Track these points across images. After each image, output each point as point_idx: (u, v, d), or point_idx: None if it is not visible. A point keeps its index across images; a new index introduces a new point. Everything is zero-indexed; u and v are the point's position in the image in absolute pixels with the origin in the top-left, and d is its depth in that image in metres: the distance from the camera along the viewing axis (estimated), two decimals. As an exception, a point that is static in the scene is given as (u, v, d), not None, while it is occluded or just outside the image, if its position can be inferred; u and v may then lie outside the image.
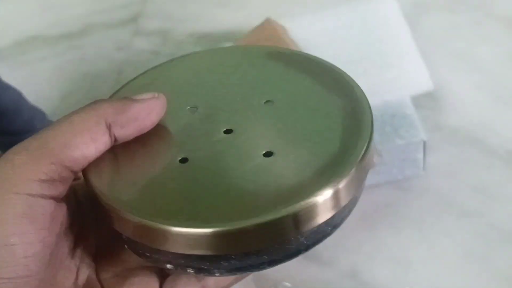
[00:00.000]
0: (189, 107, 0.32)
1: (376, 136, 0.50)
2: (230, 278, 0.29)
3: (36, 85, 0.64)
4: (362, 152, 0.28)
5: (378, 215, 0.51)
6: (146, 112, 0.29)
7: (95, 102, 0.29)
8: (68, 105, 0.62)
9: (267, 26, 0.53)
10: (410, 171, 0.52)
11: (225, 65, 0.34)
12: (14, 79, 0.65)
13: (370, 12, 0.56)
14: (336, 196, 0.27)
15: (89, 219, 0.30)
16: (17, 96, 0.55)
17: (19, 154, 0.26)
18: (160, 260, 0.28)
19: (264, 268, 0.28)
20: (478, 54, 0.58)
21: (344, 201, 0.28)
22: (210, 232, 0.26)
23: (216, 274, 0.28)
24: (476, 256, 0.49)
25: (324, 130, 0.30)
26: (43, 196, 0.26)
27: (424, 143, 0.51)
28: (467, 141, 0.54)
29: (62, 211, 0.27)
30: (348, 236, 0.51)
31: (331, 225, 0.28)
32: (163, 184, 0.29)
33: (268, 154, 0.30)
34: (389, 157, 0.50)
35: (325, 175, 0.27)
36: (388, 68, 0.53)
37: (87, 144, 0.27)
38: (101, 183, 0.29)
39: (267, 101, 0.32)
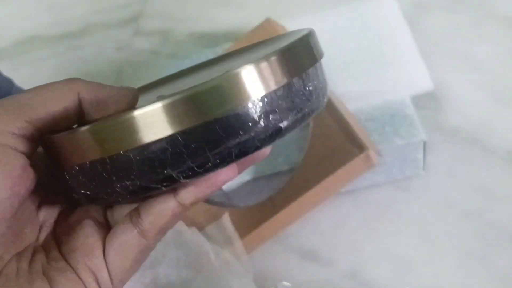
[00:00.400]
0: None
1: (376, 136, 0.50)
2: (204, 187, 0.29)
3: (36, 84, 0.64)
4: (288, 43, 0.29)
5: (378, 215, 0.51)
6: (115, 100, 0.31)
7: (71, 78, 0.31)
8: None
9: (267, 26, 0.53)
10: (410, 170, 0.52)
11: None
12: (14, 79, 0.65)
13: (370, 12, 0.56)
14: (262, 74, 0.27)
15: (51, 186, 0.31)
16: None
17: None
18: (122, 190, 0.28)
19: (228, 162, 0.27)
20: (478, 54, 0.58)
21: (272, 83, 0.28)
22: (163, 104, 0.26)
23: (182, 181, 0.27)
24: (476, 256, 0.49)
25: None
26: (15, 149, 0.28)
27: (424, 143, 0.51)
28: (467, 141, 0.54)
29: (30, 169, 0.29)
30: (348, 236, 0.51)
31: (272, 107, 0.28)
32: None
33: None
34: (389, 157, 0.51)
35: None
36: (388, 68, 0.53)
37: (59, 110, 0.30)
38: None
39: None
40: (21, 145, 0.29)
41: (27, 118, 0.29)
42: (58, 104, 0.30)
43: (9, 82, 0.54)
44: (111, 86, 0.32)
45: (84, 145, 0.28)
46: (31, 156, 0.29)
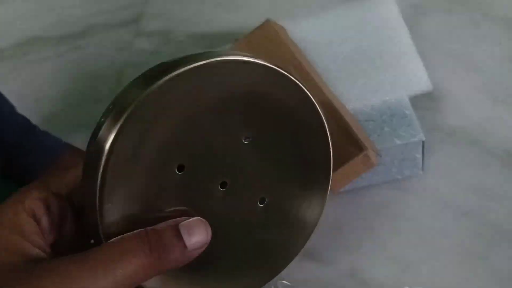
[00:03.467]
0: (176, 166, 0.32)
1: (375, 136, 0.50)
2: None
3: (37, 85, 0.65)
4: None
5: (377, 214, 0.52)
6: None
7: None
8: (69, 105, 0.63)
9: (267, 27, 0.53)
10: (409, 171, 0.52)
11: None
12: (15, 80, 0.65)
13: (369, 13, 0.56)
14: None
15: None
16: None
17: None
18: None
19: None
20: (476, 54, 0.58)
21: None
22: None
23: None
24: (475, 256, 0.49)
25: None
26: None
27: (423, 143, 0.51)
28: (466, 141, 0.54)
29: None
30: (347, 236, 0.51)
31: None
32: None
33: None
34: (388, 157, 0.51)
35: None
36: (387, 69, 0.53)
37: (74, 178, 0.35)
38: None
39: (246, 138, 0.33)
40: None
41: (52, 188, 0.34)
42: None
43: (11, 107, 0.54)
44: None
45: None
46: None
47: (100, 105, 0.63)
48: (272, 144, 0.34)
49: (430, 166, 0.53)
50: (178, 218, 0.32)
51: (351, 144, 0.47)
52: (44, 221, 0.33)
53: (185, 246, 0.31)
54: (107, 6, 0.69)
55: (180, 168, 0.31)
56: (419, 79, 0.53)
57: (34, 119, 0.62)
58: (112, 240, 0.30)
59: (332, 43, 0.55)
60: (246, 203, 0.34)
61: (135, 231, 0.31)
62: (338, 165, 0.47)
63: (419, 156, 0.51)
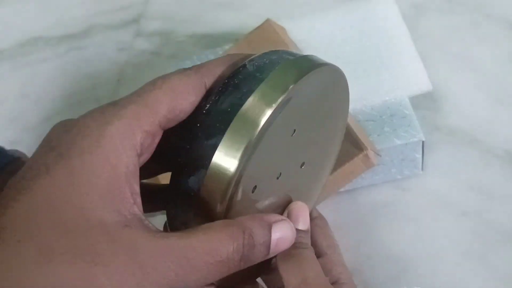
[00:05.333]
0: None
1: (375, 136, 0.50)
2: None
3: (38, 85, 0.65)
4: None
5: (377, 214, 0.52)
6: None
7: (200, 68, 0.31)
8: (70, 106, 0.63)
9: (267, 27, 0.53)
10: (408, 171, 0.52)
11: None
12: (16, 80, 0.65)
13: (369, 13, 0.56)
14: None
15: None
16: None
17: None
18: None
19: None
20: (476, 55, 0.58)
21: None
22: None
23: None
24: (475, 256, 0.49)
25: None
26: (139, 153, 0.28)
27: (423, 143, 0.51)
28: (466, 141, 0.54)
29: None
30: (347, 236, 0.51)
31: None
32: None
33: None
34: (388, 157, 0.51)
35: None
36: (387, 69, 0.53)
37: (186, 107, 0.30)
38: None
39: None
40: (147, 145, 0.29)
41: (160, 118, 0.29)
42: (189, 100, 0.30)
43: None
44: (219, 62, 0.32)
45: None
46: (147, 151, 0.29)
47: (100, 105, 0.63)
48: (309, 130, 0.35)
49: (430, 166, 0.53)
50: (271, 217, 0.31)
51: (351, 144, 0.47)
52: (141, 162, 0.29)
53: (267, 254, 0.31)
54: (107, 6, 0.69)
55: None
56: (419, 79, 0.53)
57: (34, 119, 0.62)
58: (208, 228, 0.28)
59: (332, 43, 0.55)
60: (293, 171, 0.35)
61: (230, 226, 0.29)
62: (338, 165, 0.47)
63: (419, 156, 0.51)
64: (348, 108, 0.40)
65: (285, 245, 0.31)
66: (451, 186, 0.52)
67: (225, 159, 0.29)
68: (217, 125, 0.29)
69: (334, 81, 0.36)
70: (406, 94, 0.52)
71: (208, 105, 0.30)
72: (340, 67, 0.54)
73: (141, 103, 0.29)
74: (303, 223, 0.35)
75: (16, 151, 0.50)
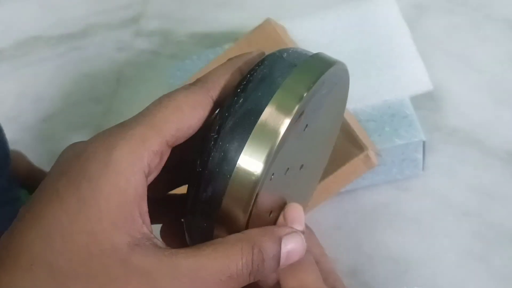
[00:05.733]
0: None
1: (375, 136, 0.50)
2: None
3: (37, 85, 0.65)
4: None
5: (377, 214, 0.52)
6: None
7: (204, 82, 0.31)
8: (69, 105, 0.63)
9: (267, 27, 0.53)
10: (409, 171, 0.52)
11: None
12: (15, 80, 0.65)
13: (370, 13, 0.56)
14: None
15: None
16: None
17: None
18: None
19: None
20: (477, 55, 0.58)
21: None
22: None
23: None
24: (475, 256, 0.49)
25: None
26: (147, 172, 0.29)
27: (424, 143, 0.51)
28: (466, 141, 0.54)
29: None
30: (348, 236, 0.51)
31: None
32: None
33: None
34: (389, 157, 0.51)
35: None
36: (388, 69, 0.53)
37: (194, 124, 0.30)
38: None
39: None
40: (155, 165, 0.29)
41: (168, 138, 0.29)
42: (196, 117, 0.30)
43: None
44: (223, 71, 0.32)
45: None
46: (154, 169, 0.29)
47: (100, 105, 0.63)
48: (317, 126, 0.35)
49: (430, 166, 0.53)
50: (282, 230, 0.31)
51: (351, 144, 0.47)
52: (148, 181, 0.29)
53: (277, 267, 0.31)
54: (106, 6, 0.69)
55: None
56: (419, 79, 0.53)
57: (33, 119, 0.62)
58: (217, 244, 0.29)
59: (332, 43, 0.55)
60: (294, 174, 0.35)
61: (239, 242, 0.29)
62: (338, 165, 0.47)
63: (419, 156, 0.51)
64: (344, 107, 0.40)
65: (296, 257, 0.31)
66: (452, 186, 0.52)
67: (251, 161, 0.29)
68: (239, 131, 0.29)
69: (341, 79, 0.36)
70: (406, 94, 0.52)
71: (224, 116, 0.30)
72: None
73: (148, 124, 0.29)
74: (299, 225, 0.35)
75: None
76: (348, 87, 0.38)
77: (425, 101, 0.55)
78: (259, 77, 0.30)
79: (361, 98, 0.52)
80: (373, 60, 0.54)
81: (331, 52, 0.55)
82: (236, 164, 0.29)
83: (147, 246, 0.27)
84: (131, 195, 0.27)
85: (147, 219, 0.28)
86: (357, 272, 0.49)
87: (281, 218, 0.35)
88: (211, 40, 0.65)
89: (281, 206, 0.36)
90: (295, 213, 0.35)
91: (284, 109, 0.29)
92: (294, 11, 0.63)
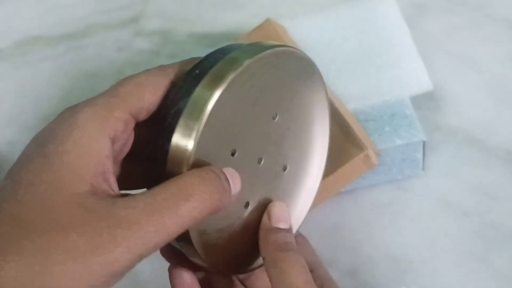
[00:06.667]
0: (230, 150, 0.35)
1: (375, 136, 0.50)
2: None
3: (37, 85, 0.64)
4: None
5: (377, 214, 0.52)
6: None
7: (163, 66, 0.34)
8: (69, 105, 0.62)
9: (267, 27, 0.53)
10: (409, 171, 0.52)
11: None
12: (15, 80, 0.65)
13: (370, 12, 0.56)
14: None
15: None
16: None
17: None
18: None
19: None
20: (477, 54, 0.58)
21: None
22: None
23: None
24: (475, 256, 0.49)
25: None
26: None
27: (424, 143, 0.51)
28: (467, 141, 0.54)
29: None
30: (347, 236, 0.51)
31: None
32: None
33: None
34: (389, 157, 0.51)
35: None
36: (388, 68, 0.53)
37: (156, 100, 0.33)
38: None
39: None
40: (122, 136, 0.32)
41: (131, 108, 0.32)
42: (156, 94, 0.33)
43: None
44: (186, 62, 0.35)
45: None
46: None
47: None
48: (292, 121, 0.38)
49: (430, 166, 0.53)
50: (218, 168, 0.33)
51: (351, 144, 0.47)
52: (117, 147, 0.32)
53: (231, 191, 0.32)
54: (107, 6, 0.68)
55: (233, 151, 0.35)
56: (419, 79, 0.53)
57: (32, 119, 0.62)
58: (175, 178, 0.30)
59: (332, 42, 0.55)
60: (274, 172, 0.38)
61: (195, 170, 0.31)
62: (338, 165, 0.47)
63: (419, 156, 0.51)
64: (326, 108, 0.41)
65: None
66: (452, 186, 0.52)
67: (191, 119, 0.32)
68: (189, 91, 0.33)
69: (301, 68, 0.38)
70: (406, 93, 0.52)
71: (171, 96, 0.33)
72: (341, 67, 0.54)
73: (112, 95, 0.32)
74: (284, 222, 0.37)
75: None
76: (322, 83, 0.40)
77: (425, 101, 0.55)
78: (203, 65, 0.34)
79: (361, 98, 0.52)
80: (373, 59, 0.54)
81: (331, 51, 0.55)
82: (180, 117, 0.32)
83: (103, 196, 0.29)
84: (94, 151, 0.30)
85: (112, 179, 0.30)
86: (357, 272, 0.49)
87: (265, 217, 0.37)
88: (211, 40, 0.64)
89: (262, 203, 0.37)
90: (279, 211, 0.37)
91: (221, 73, 0.32)
92: (294, 11, 0.63)
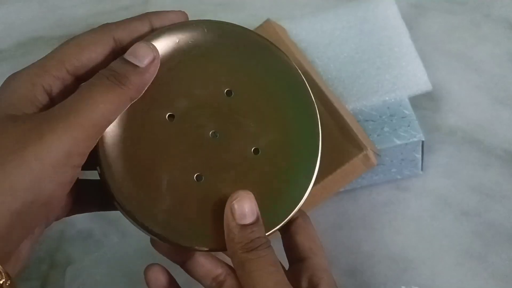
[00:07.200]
0: (167, 115, 0.36)
1: (375, 136, 0.50)
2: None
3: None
4: None
5: (377, 214, 0.52)
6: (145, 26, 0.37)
7: (105, 24, 0.36)
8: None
9: (267, 27, 0.53)
10: (408, 171, 0.52)
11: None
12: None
13: (369, 13, 0.56)
14: None
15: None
16: None
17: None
18: None
19: None
20: (476, 54, 0.59)
21: None
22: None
23: None
24: (474, 255, 0.49)
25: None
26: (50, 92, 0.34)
27: (423, 143, 0.51)
28: (465, 141, 0.54)
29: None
30: (347, 236, 0.51)
31: None
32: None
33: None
34: (388, 157, 0.51)
35: None
36: (387, 69, 0.53)
37: (96, 56, 0.35)
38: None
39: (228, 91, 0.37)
40: (60, 92, 0.34)
41: (68, 67, 0.34)
42: (96, 51, 0.34)
43: None
44: (133, 19, 0.37)
45: None
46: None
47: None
48: (258, 102, 0.38)
49: (429, 166, 0.53)
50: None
51: (350, 144, 0.47)
52: (58, 102, 0.33)
53: (137, 66, 0.34)
54: (107, 6, 0.69)
55: (171, 117, 0.36)
56: (418, 79, 0.53)
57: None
58: (76, 92, 0.33)
59: (332, 43, 0.55)
60: (238, 152, 0.37)
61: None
62: (337, 165, 0.47)
63: (418, 156, 0.52)
64: (304, 90, 0.39)
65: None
66: (451, 186, 0.52)
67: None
68: None
69: (260, 49, 0.39)
70: (405, 94, 0.52)
71: None
72: (340, 67, 0.55)
73: (48, 56, 0.34)
74: (250, 215, 0.34)
75: None
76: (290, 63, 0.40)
77: (424, 101, 0.55)
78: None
79: (360, 98, 0.52)
80: (372, 60, 0.54)
81: (331, 52, 0.55)
82: None
83: (28, 118, 0.32)
84: (27, 89, 0.33)
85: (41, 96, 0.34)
86: (357, 272, 0.49)
87: (228, 211, 0.34)
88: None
89: (224, 181, 0.36)
90: (243, 203, 0.34)
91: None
92: (294, 12, 0.63)
